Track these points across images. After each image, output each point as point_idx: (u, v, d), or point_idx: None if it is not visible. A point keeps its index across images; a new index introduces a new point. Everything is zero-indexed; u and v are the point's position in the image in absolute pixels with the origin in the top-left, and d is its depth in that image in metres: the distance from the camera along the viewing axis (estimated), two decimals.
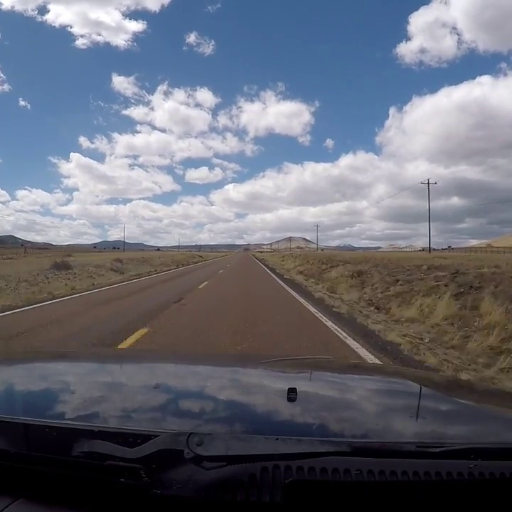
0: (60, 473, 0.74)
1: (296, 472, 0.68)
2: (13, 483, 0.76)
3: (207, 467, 0.68)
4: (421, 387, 1.46)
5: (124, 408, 1.10)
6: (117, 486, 0.71)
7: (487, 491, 0.71)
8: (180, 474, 0.68)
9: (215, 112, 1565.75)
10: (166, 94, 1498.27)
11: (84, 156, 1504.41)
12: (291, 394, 1.05)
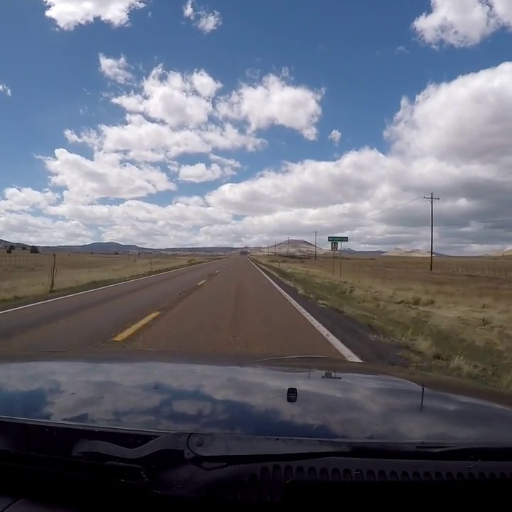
0: (60, 473, 0.74)
1: (297, 472, 0.68)
2: (14, 483, 0.76)
3: (207, 467, 0.68)
4: (421, 388, 1.46)
5: (124, 408, 1.10)
6: (118, 486, 0.71)
7: (487, 491, 0.71)
8: (181, 474, 0.68)
9: (214, 99, 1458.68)
10: (161, 78, 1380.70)
11: (71, 152, 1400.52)
12: (291, 394, 1.06)
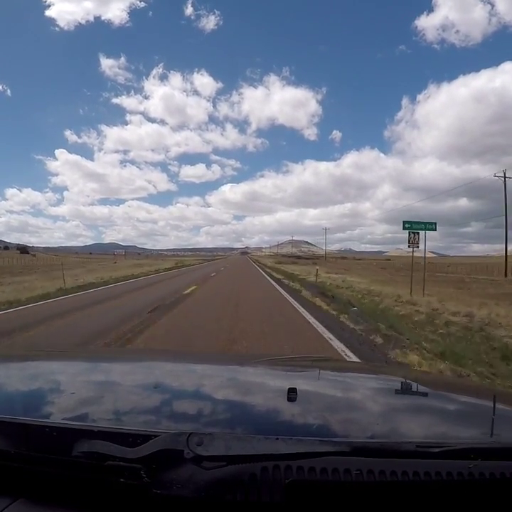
0: (60, 473, 0.74)
1: (297, 472, 0.68)
2: (13, 483, 0.76)
3: (207, 467, 0.68)
4: (421, 387, 1.46)
5: (124, 408, 1.10)
6: (117, 486, 0.71)
7: (487, 491, 0.71)
8: (181, 474, 0.68)
9: (214, 99, 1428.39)
10: (161, 78, 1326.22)
11: (71, 153, 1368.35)
12: (291, 394, 1.06)
